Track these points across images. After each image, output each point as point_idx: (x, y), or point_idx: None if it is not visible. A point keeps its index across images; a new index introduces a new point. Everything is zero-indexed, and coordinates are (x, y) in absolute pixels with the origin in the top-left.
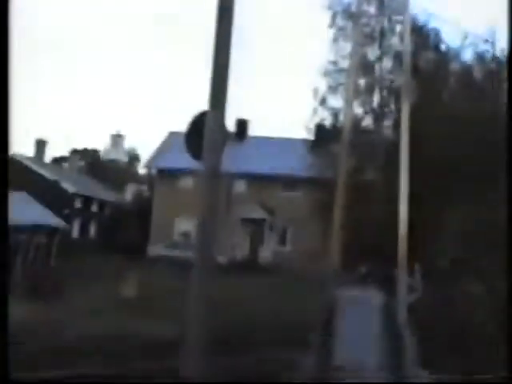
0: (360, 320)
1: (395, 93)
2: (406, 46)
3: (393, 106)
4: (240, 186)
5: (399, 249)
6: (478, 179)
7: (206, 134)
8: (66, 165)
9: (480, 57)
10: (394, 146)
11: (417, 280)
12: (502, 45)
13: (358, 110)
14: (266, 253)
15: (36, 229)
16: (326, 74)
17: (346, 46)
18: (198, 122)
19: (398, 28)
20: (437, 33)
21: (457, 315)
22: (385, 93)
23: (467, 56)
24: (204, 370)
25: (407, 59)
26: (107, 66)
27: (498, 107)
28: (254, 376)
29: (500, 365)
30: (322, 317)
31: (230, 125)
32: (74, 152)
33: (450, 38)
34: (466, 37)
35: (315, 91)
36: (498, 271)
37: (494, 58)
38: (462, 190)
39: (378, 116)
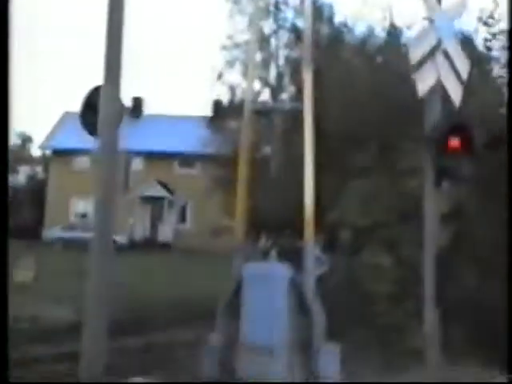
0: (266, 295)
1: (292, 66)
2: (307, 13)
3: (290, 80)
4: (137, 165)
5: (305, 220)
6: (385, 149)
7: (100, 108)
8: None
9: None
10: (294, 118)
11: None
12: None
13: (256, 84)
14: (166, 231)
15: None
16: (224, 49)
17: (243, 21)
18: (93, 98)
19: (292, 1)
20: (330, 7)
21: (362, 287)
22: (281, 67)
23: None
24: (105, 353)
25: (308, 26)
26: None
27: (395, 78)
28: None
29: (408, 332)
30: (226, 293)
31: (126, 102)
32: None
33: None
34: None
35: (213, 67)
36: (406, 241)
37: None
38: (368, 160)
39: (276, 90)
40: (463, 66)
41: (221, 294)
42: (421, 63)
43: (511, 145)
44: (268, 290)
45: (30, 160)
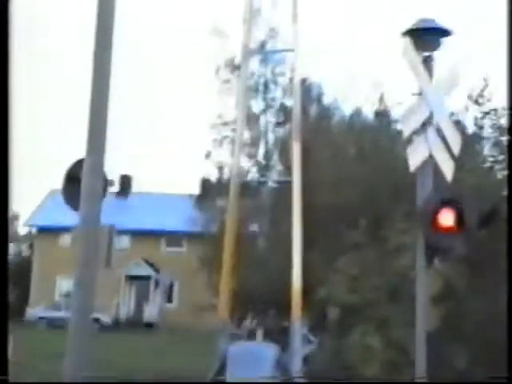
0: (251, 375)
1: (281, 145)
2: (296, 91)
3: (278, 158)
4: (124, 243)
5: (293, 298)
6: (371, 227)
7: (83, 180)
8: None
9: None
10: (281, 194)
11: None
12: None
13: (244, 163)
14: (152, 310)
15: None
16: (212, 127)
17: (232, 99)
18: (76, 170)
19: (282, 80)
20: (319, 86)
21: (350, 369)
22: (270, 145)
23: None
24: None
25: (297, 102)
26: None
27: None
28: None
29: None
30: (211, 373)
31: (114, 180)
32: None
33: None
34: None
35: (202, 146)
36: (396, 321)
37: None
38: (357, 237)
39: (264, 167)
40: (455, 140)
41: (204, 372)
42: (412, 138)
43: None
44: (253, 371)
45: (15, 238)
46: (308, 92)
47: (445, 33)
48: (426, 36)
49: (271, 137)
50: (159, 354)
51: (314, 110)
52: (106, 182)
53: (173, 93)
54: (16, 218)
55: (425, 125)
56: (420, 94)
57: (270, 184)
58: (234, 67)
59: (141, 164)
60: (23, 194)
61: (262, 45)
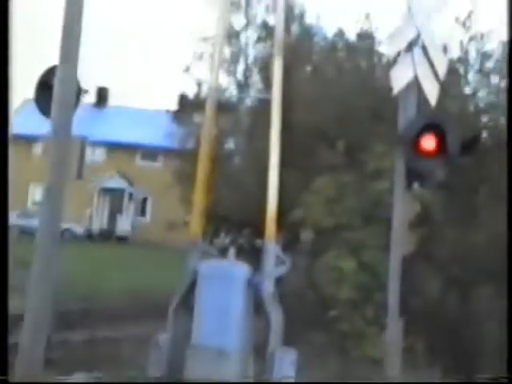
0: (222, 294)
1: (260, 63)
2: (279, 9)
3: (258, 76)
4: (99, 155)
5: (267, 218)
6: (350, 149)
7: (55, 88)
8: None
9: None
10: (259, 113)
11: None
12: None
13: (223, 79)
14: (124, 223)
15: None
16: (192, 42)
17: (213, 15)
18: (48, 78)
19: None
20: (302, 4)
21: (322, 291)
22: (250, 63)
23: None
24: (44, 346)
25: (280, 20)
26: None
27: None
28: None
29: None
30: (180, 291)
31: (91, 92)
32: None
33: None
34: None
35: (181, 61)
36: (371, 245)
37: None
38: (335, 159)
39: (244, 85)
40: (441, 64)
41: (174, 290)
42: (397, 59)
43: (511, 145)
44: (224, 290)
45: None
46: (290, 11)
47: None
48: None
49: (252, 54)
50: (130, 266)
51: (295, 28)
52: (80, 92)
53: (155, 4)
54: None
55: (411, 46)
56: (408, 13)
57: (248, 102)
58: None
59: (119, 77)
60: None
61: None
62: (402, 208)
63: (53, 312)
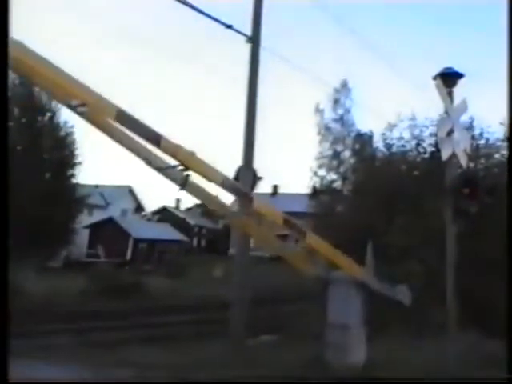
0: (342, 292)
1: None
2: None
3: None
4: None
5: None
6: (418, 202)
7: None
8: (191, 210)
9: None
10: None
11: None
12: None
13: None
14: None
15: (173, 241)
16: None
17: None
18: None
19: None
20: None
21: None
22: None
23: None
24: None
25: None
26: None
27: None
28: None
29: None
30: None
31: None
32: (197, 205)
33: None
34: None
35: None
36: (431, 257)
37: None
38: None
39: (344, 180)
40: (467, 142)
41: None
42: (442, 141)
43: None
44: (344, 289)
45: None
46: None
47: (460, 75)
48: (449, 77)
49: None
50: None
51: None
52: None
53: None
54: None
55: (449, 133)
56: (446, 113)
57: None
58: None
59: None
60: None
61: None
62: (452, 233)
63: (251, 297)
